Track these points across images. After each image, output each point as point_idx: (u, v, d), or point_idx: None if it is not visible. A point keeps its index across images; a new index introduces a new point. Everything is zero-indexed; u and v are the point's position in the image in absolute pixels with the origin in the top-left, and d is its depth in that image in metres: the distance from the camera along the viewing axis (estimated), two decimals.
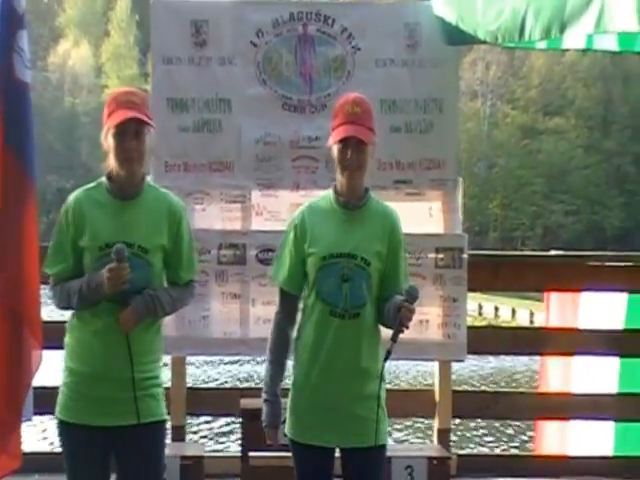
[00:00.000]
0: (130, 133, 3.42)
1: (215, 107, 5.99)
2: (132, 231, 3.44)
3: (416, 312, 5.73)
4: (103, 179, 3.54)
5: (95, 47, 64.07)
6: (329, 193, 3.67)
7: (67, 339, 3.56)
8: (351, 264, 3.51)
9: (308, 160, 5.99)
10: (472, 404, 6.52)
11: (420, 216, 6.12)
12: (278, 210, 6.06)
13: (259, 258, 6.00)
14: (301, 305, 3.68)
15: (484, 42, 5.75)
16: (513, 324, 24.94)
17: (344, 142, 3.51)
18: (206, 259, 5.93)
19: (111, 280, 3.33)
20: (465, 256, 6.08)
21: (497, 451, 10.19)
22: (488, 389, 12.26)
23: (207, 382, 13.68)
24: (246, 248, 6.00)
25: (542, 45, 6.12)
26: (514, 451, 10.19)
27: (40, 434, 6.33)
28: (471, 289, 6.22)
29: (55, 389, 6.02)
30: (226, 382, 14.17)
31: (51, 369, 5.73)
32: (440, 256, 6.06)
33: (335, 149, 3.56)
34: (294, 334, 3.65)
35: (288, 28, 5.97)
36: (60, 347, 4.15)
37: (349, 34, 6.00)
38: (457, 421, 8.70)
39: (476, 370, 15.47)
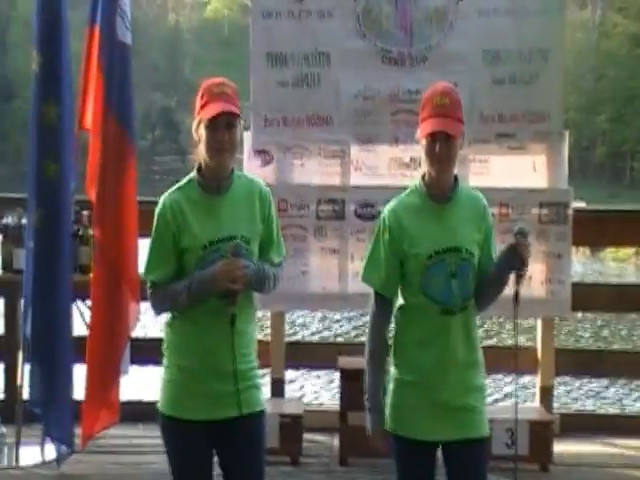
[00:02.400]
0: (222, 125, 3.37)
1: (314, 61, 5.91)
2: (232, 225, 3.39)
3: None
4: (193, 175, 3.49)
5: None
6: (417, 187, 3.54)
7: (169, 336, 3.50)
8: (457, 258, 3.42)
9: (408, 114, 5.84)
10: (575, 362, 6.42)
11: (523, 170, 5.98)
12: (377, 165, 6.00)
13: (358, 213, 5.96)
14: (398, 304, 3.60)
15: None
16: None
17: (433, 136, 3.40)
18: (305, 214, 5.94)
19: (224, 274, 3.31)
20: (570, 211, 5.92)
21: (602, 410, 10.00)
22: (592, 347, 12.03)
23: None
24: (345, 203, 5.96)
25: None
26: (619, 410, 10.01)
27: (138, 384, 6.47)
28: (576, 244, 6.07)
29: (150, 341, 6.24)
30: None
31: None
32: (544, 211, 5.91)
33: (424, 142, 3.44)
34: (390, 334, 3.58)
35: None
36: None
37: None
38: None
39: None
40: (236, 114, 3.39)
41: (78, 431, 5.46)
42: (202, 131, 3.40)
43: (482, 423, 3.51)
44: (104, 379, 5.53)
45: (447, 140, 3.39)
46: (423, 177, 3.53)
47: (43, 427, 5.45)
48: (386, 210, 3.55)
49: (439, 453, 3.53)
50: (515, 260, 3.41)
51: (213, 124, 3.36)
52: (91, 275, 5.75)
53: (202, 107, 3.39)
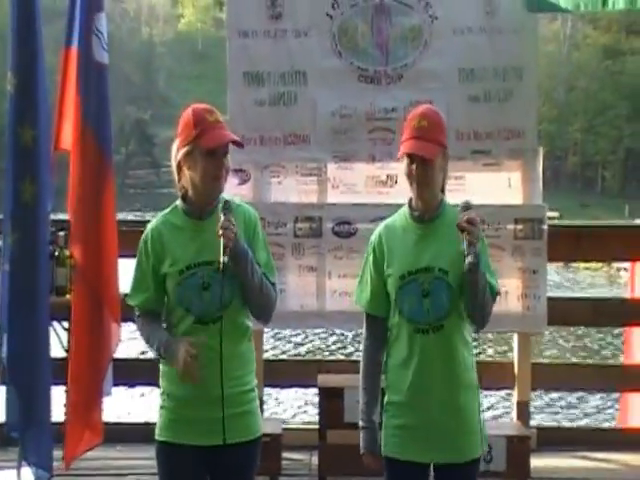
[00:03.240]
0: (221, 153, 3.40)
1: (291, 80, 5.95)
2: (210, 248, 3.38)
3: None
4: (178, 202, 3.51)
5: None
6: (404, 209, 3.59)
7: (162, 364, 3.54)
8: (430, 278, 3.44)
9: (384, 132, 5.91)
10: (552, 376, 6.46)
11: (499, 187, 6.03)
12: (354, 183, 6.02)
13: (335, 231, 5.98)
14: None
15: (565, 10, 5.58)
16: None
17: (410, 157, 3.44)
18: (282, 232, 5.95)
19: (185, 368, 3.32)
20: (545, 227, 5.96)
21: (579, 424, 10.07)
22: (568, 361, 12.11)
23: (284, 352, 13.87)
24: (322, 221, 5.98)
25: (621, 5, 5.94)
26: (597, 424, 10.07)
27: (116, 405, 6.46)
28: (551, 260, 6.12)
29: (129, 361, 6.24)
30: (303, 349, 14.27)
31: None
32: (519, 227, 5.96)
33: (404, 164, 3.49)
34: (384, 357, 3.60)
35: None
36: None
37: (426, 3, 5.87)
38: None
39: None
40: (237, 142, 3.42)
41: (57, 454, 5.42)
42: (198, 159, 3.38)
43: (470, 445, 3.50)
44: (87, 400, 5.50)
45: (424, 163, 3.41)
46: (410, 200, 3.56)
47: (20, 452, 5.40)
48: (374, 232, 3.60)
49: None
50: (466, 235, 3.35)
51: (213, 153, 3.37)
52: (68, 296, 5.76)
53: (198, 136, 3.37)
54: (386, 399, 3.56)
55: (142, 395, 9.40)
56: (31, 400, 5.29)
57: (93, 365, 5.49)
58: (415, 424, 3.47)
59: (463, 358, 3.50)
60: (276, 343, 14.44)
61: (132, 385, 6.64)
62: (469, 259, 3.31)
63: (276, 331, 13.16)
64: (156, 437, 3.52)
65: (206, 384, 3.39)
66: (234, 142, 3.45)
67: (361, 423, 3.57)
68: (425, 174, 3.42)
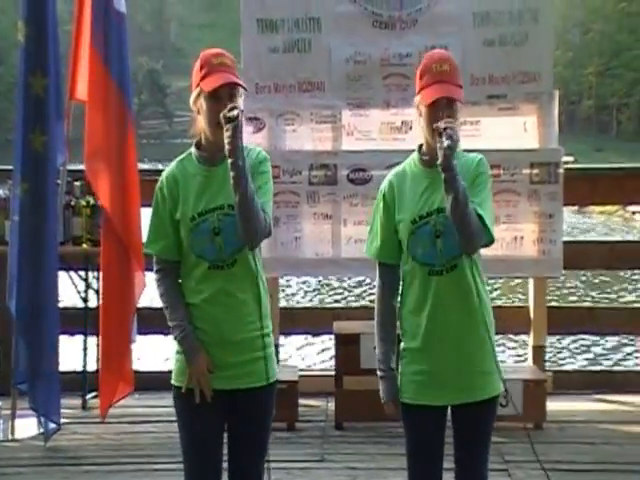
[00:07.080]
0: (224, 97, 3.36)
1: (305, 27, 5.90)
2: (221, 194, 3.36)
3: (510, 229, 5.90)
4: (192, 149, 3.49)
5: None
6: (414, 156, 3.56)
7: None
8: (441, 218, 3.43)
9: (399, 78, 5.88)
10: (568, 320, 6.48)
11: (514, 131, 5.99)
12: (369, 129, 5.98)
13: (350, 178, 5.96)
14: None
15: None
16: None
17: (435, 103, 3.40)
18: (297, 180, 5.94)
19: (192, 375, 3.39)
20: (561, 171, 5.93)
21: (595, 367, 10.07)
22: (584, 305, 12.06)
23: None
24: (337, 168, 5.96)
25: None
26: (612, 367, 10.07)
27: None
28: (566, 204, 6.10)
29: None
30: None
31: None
32: (535, 171, 5.93)
33: (425, 111, 3.44)
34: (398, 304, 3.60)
35: None
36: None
37: None
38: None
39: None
40: (238, 84, 3.38)
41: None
42: (202, 103, 3.37)
43: (486, 384, 3.48)
44: (119, 350, 5.58)
45: (449, 105, 3.39)
46: (420, 147, 3.53)
47: (29, 403, 5.42)
48: (384, 181, 3.58)
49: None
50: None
51: (214, 96, 3.33)
52: (84, 246, 5.80)
53: (202, 79, 3.35)
54: (402, 346, 3.56)
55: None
56: (39, 351, 5.34)
57: (123, 314, 5.55)
58: (431, 369, 3.47)
59: (478, 296, 3.47)
60: (291, 291, 14.51)
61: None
62: (446, 141, 3.26)
63: (290, 279, 13.22)
64: (173, 382, 3.51)
65: (223, 329, 3.40)
66: (235, 84, 3.37)
67: (380, 373, 3.56)
68: (450, 117, 3.39)
